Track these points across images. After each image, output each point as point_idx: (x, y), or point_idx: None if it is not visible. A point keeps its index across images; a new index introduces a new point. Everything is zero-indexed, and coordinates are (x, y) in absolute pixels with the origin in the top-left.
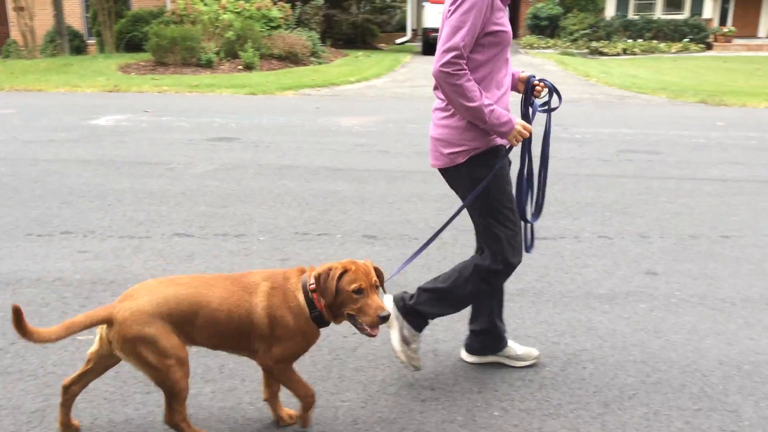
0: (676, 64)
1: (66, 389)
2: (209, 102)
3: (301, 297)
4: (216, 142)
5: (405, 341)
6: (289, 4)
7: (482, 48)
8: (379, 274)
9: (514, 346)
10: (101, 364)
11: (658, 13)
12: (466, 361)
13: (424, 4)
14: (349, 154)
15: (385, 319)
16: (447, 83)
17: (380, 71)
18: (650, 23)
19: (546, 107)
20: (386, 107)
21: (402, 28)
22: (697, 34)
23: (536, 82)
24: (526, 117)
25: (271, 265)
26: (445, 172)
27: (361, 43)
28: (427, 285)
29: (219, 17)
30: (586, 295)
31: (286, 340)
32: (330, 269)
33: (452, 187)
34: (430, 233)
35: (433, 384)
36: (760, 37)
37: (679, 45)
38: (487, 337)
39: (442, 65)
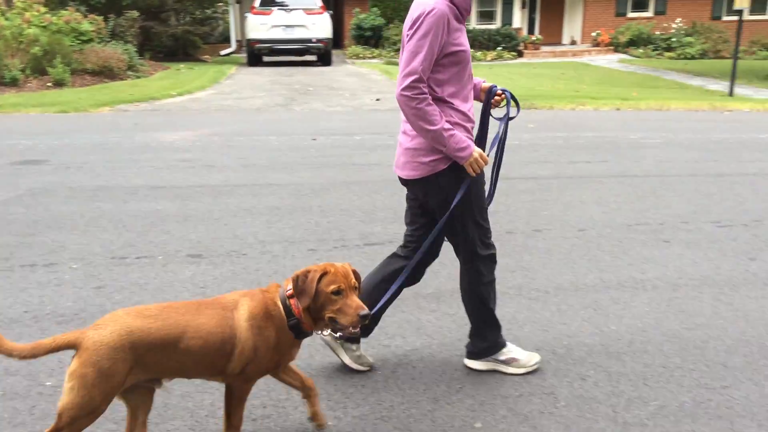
0: (492, 71)
1: None
2: (14, 123)
3: (279, 305)
4: (21, 165)
5: (512, 362)
6: (102, 17)
7: (443, 68)
8: (357, 276)
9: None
10: (145, 402)
11: (473, 24)
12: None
13: (247, 15)
14: (170, 170)
15: (365, 318)
16: (408, 106)
17: (204, 83)
18: (467, 33)
19: (505, 117)
20: (211, 120)
21: (226, 39)
22: (509, 43)
23: (498, 92)
24: (485, 126)
25: (86, 294)
26: (421, 181)
27: (183, 56)
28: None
29: (23, 32)
30: (414, 295)
31: (264, 355)
32: (308, 271)
33: (424, 194)
34: (260, 248)
35: (264, 402)
36: (563, 44)
37: (493, 53)
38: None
39: (403, 89)
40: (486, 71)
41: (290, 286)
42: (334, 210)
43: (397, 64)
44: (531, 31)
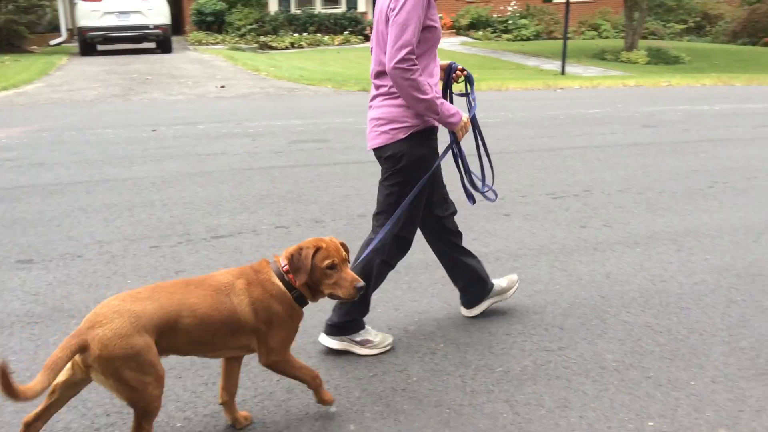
0: (340, 55)
1: (28, 426)
2: None
3: (278, 282)
4: None
5: (366, 344)
6: None
7: (420, 43)
8: (345, 248)
9: (498, 282)
10: (67, 394)
11: (318, 8)
12: (469, 317)
13: (77, 2)
14: None
15: (361, 289)
16: (402, 78)
17: (31, 76)
18: (312, 17)
19: (465, 93)
20: (40, 115)
21: (56, 28)
22: (355, 27)
23: (459, 68)
24: (449, 101)
25: None
26: (383, 149)
27: (7, 47)
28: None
29: None
30: None
31: (278, 329)
32: (301, 248)
33: (385, 165)
34: (97, 249)
35: (107, 410)
36: None
37: (341, 37)
38: (475, 288)
39: (398, 62)
40: (334, 56)
41: (285, 262)
42: (177, 203)
43: (242, 50)
44: None
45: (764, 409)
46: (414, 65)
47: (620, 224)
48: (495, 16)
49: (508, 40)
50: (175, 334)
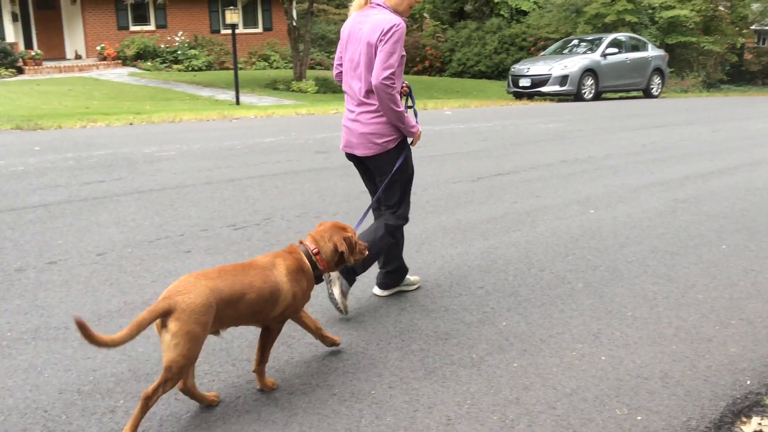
0: None
1: (147, 399)
2: None
3: (308, 262)
4: None
5: (343, 294)
6: None
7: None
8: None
9: (409, 277)
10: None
11: None
12: (380, 296)
13: None
14: None
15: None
16: (384, 92)
17: None
18: None
19: (410, 106)
20: None
21: None
22: (5, 59)
23: (404, 85)
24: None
25: None
26: (375, 157)
27: None
28: None
29: None
30: None
31: (302, 299)
32: (350, 237)
33: (376, 167)
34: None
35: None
36: (68, 59)
37: None
38: (396, 274)
39: (383, 79)
40: None
41: (314, 247)
42: None
43: None
44: (29, 45)
45: (435, 405)
46: (394, 83)
47: None
48: (163, 46)
49: (180, 70)
50: (239, 307)
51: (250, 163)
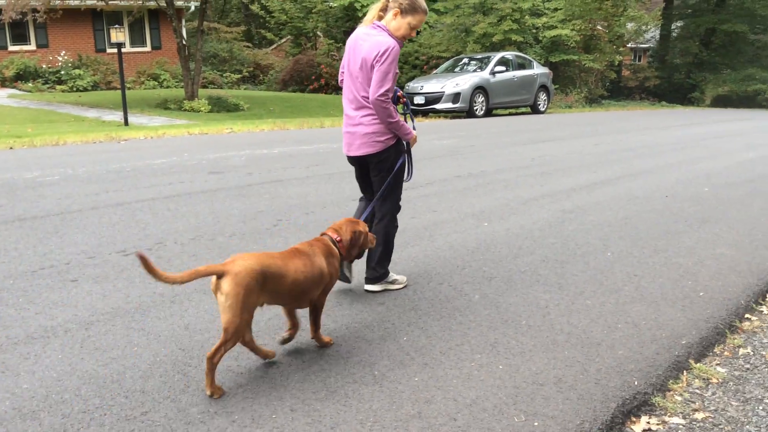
0: None
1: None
2: None
3: (335, 248)
4: None
5: (396, 283)
6: None
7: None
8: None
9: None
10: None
11: None
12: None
13: None
14: None
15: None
16: (381, 107)
17: None
18: None
19: (404, 113)
20: None
21: None
22: None
23: (399, 94)
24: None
25: None
26: (378, 154)
27: None
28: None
29: None
30: None
31: (332, 280)
32: (360, 231)
33: (379, 163)
34: None
35: None
36: None
37: None
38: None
39: (379, 96)
40: None
41: (335, 235)
42: None
43: None
44: None
45: (337, 425)
46: (388, 99)
47: None
48: (45, 66)
49: (64, 91)
50: (285, 284)
51: (140, 185)
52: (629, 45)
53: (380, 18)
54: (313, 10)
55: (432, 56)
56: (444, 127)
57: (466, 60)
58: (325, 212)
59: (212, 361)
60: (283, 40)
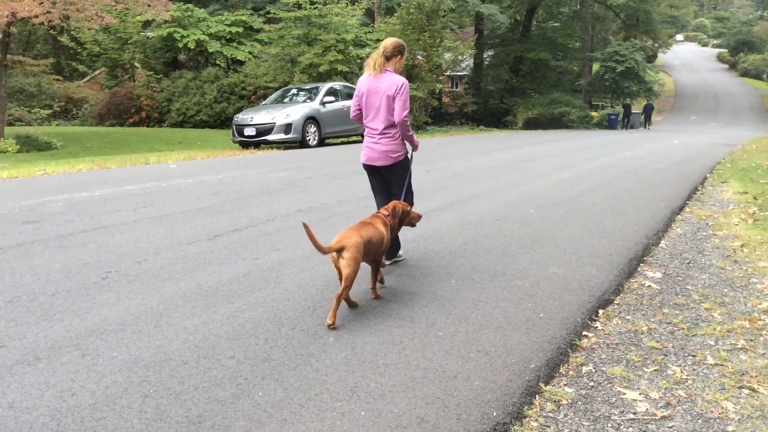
0: None
1: (338, 297)
2: None
3: (386, 221)
4: None
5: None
6: None
7: None
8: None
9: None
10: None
11: None
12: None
13: None
14: None
15: (420, 217)
16: (404, 126)
17: None
18: None
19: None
20: None
21: None
22: None
23: None
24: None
25: None
26: (391, 167)
27: None
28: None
29: None
30: None
31: (387, 242)
32: (403, 210)
33: (391, 173)
34: None
35: None
36: None
37: None
38: (393, 249)
39: (404, 117)
40: None
41: (386, 212)
42: None
43: None
44: None
45: None
46: (407, 119)
47: (16, 341)
48: None
49: None
50: (372, 245)
51: None
52: (447, 73)
53: (382, 64)
54: (129, 41)
55: (259, 86)
56: (278, 159)
57: (294, 90)
58: (159, 259)
59: (339, 299)
60: (97, 72)
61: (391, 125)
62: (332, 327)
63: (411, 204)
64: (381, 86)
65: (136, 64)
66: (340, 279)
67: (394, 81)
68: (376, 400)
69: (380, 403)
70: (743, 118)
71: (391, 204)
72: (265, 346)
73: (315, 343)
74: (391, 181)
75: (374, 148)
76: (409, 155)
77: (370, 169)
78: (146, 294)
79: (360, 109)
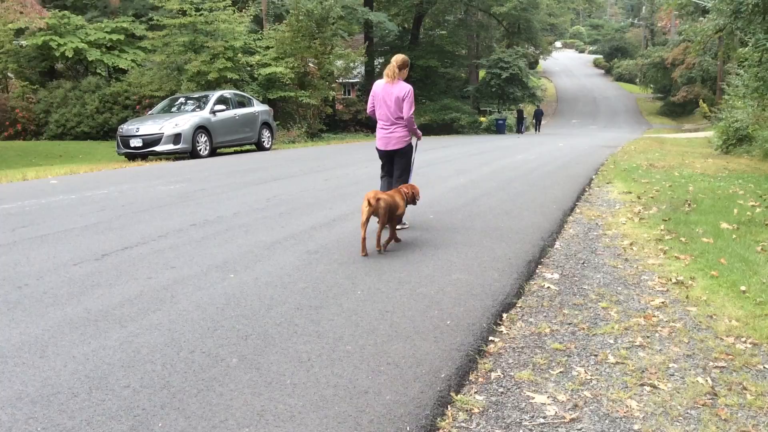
0: None
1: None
2: None
3: (403, 195)
4: None
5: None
6: None
7: None
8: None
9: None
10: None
11: None
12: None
13: None
14: None
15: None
16: (410, 121)
17: None
18: None
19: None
20: None
21: None
22: None
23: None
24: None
25: None
26: (401, 150)
27: None
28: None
29: None
30: None
31: (402, 210)
32: (413, 189)
33: (401, 155)
34: None
35: None
36: None
37: None
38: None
39: (411, 114)
40: None
41: (405, 189)
42: None
43: None
44: None
45: None
46: (413, 116)
47: None
48: None
49: None
50: (392, 207)
51: None
52: (339, 80)
53: (396, 73)
54: (0, 50)
55: (144, 96)
56: (168, 171)
57: (182, 99)
58: (42, 284)
59: (380, 233)
60: None
61: (399, 119)
62: (364, 254)
63: (406, 181)
64: (394, 90)
65: (9, 74)
66: (376, 220)
67: (404, 87)
68: (286, 422)
69: (290, 426)
70: (620, 121)
71: (408, 186)
72: (163, 372)
73: (217, 366)
74: (396, 164)
75: (389, 136)
76: (413, 143)
77: (385, 153)
78: (29, 321)
79: (374, 107)
